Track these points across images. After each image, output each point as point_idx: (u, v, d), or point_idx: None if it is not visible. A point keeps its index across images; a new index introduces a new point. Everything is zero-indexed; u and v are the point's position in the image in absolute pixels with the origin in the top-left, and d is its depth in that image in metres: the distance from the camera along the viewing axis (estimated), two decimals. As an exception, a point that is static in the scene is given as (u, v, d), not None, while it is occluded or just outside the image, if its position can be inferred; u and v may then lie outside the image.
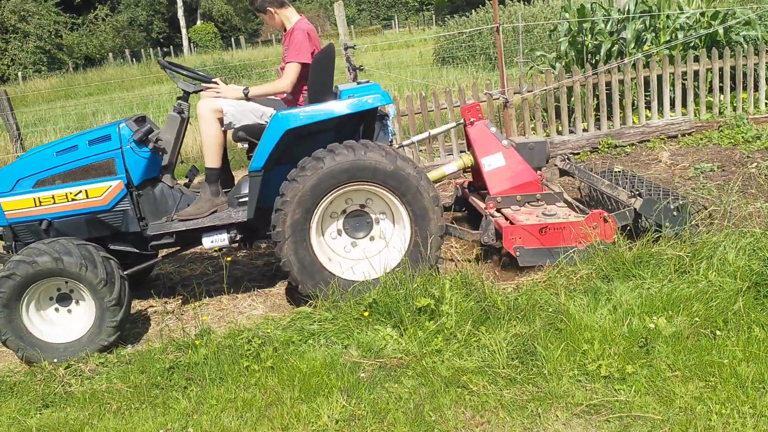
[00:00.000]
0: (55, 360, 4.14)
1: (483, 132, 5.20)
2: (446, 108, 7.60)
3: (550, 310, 3.91)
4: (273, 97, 4.76)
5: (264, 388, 3.59)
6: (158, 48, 41.85)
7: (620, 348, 3.48)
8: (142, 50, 41.55)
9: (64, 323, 4.33)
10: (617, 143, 7.67)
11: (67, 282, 4.23)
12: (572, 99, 7.98)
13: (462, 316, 3.89)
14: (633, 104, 8.20)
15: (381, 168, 4.25)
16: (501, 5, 19.54)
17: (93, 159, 4.45)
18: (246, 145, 4.64)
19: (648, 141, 7.76)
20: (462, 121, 5.35)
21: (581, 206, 4.96)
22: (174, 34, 49.78)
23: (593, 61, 8.51)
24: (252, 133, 4.51)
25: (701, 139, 7.63)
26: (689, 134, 7.77)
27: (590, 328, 3.65)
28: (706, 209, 4.76)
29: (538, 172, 5.45)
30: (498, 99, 7.65)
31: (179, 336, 4.19)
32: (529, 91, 7.74)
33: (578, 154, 7.59)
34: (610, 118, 8.05)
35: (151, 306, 5.04)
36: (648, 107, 8.19)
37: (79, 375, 4.01)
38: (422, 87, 12.72)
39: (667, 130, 7.80)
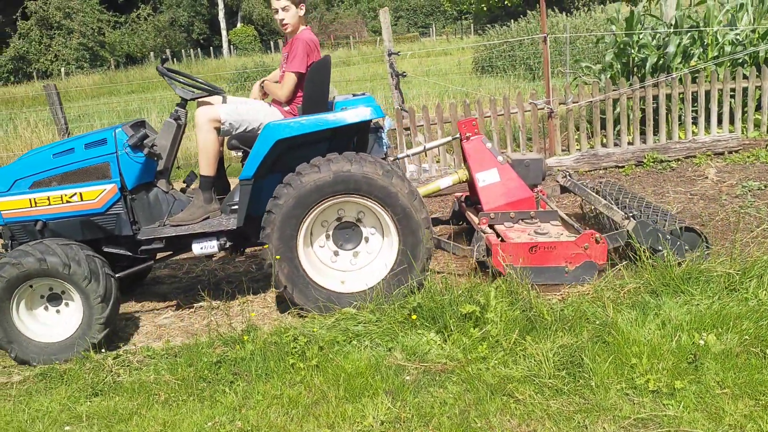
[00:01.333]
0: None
1: (479, 147, 5.17)
2: (489, 116, 7.59)
3: (597, 322, 3.88)
4: (270, 105, 4.77)
5: (309, 386, 3.62)
6: (191, 48, 42.35)
7: (669, 363, 3.44)
8: (183, 51, 42.20)
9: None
10: (663, 158, 7.59)
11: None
12: (617, 111, 7.92)
13: (507, 324, 3.89)
14: (679, 119, 8.11)
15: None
16: (542, 16, 19.45)
17: (88, 162, 4.52)
18: (240, 154, 4.67)
19: (694, 157, 7.67)
20: (458, 135, 5.33)
21: (576, 225, 4.87)
22: (213, 36, 50.50)
23: (639, 74, 8.43)
24: (246, 142, 4.54)
25: (748, 156, 7.52)
26: (736, 152, 7.67)
27: (638, 343, 3.62)
28: (704, 236, 4.57)
29: (539, 188, 5.43)
30: (543, 109, 7.63)
31: (226, 331, 4.24)
32: (574, 102, 7.70)
33: (623, 167, 7.53)
34: (655, 132, 7.97)
35: (197, 302, 5.11)
36: (695, 123, 8.09)
37: (128, 365, 4.10)
38: (462, 95, 12.73)
39: (713, 147, 7.70)
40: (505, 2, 39.69)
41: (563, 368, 3.53)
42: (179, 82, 4.66)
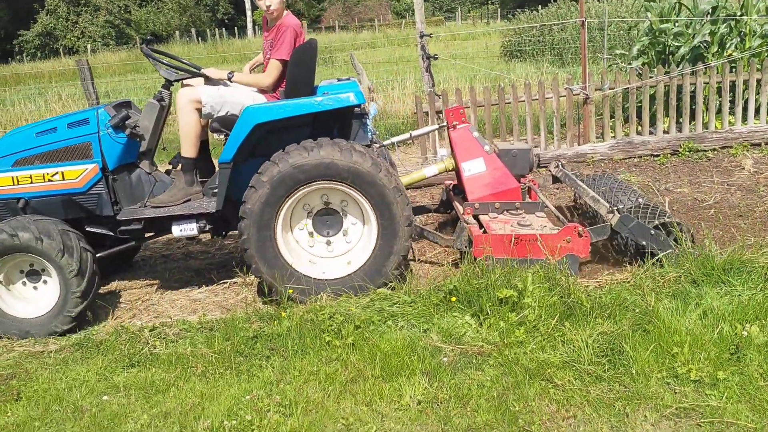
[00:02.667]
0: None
1: (465, 136, 5.07)
2: (523, 100, 7.51)
3: (637, 310, 3.84)
4: (255, 90, 4.70)
5: (346, 363, 3.62)
6: (216, 28, 42.37)
7: (711, 353, 3.40)
8: (208, 30, 42.22)
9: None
10: (699, 147, 7.47)
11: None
12: (654, 99, 7.80)
13: (545, 310, 3.86)
14: (716, 109, 7.96)
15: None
16: (574, 1, 19.23)
17: (70, 142, 4.52)
18: (223, 137, 4.63)
19: (730, 147, 7.54)
20: (444, 123, 5.23)
21: (561, 218, 4.78)
22: (238, 16, 50.44)
23: (674, 63, 8.29)
24: (227, 125, 4.48)
25: (786, 148, 7.38)
26: (774, 143, 7.52)
27: (679, 332, 3.57)
28: (690, 232, 4.51)
29: (530, 178, 5.34)
30: (578, 94, 7.53)
31: (262, 307, 4.25)
32: (611, 89, 7.59)
33: (658, 156, 7.43)
34: (691, 121, 7.84)
35: (230, 278, 5.13)
36: (732, 113, 7.95)
37: (164, 338, 4.12)
38: (491, 79, 12.62)
39: (750, 138, 7.56)
40: (534, -13, 39.15)
41: (603, 355, 3.50)
42: (163, 63, 4.59)
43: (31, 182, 4.50)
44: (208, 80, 4.66)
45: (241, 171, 4.41)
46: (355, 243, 4.53)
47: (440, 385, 3.37)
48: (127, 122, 4.50)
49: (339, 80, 4.65)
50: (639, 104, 7.83)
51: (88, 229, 4.65)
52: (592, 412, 3.12)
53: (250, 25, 46.25)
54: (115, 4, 42.39)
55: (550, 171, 5.77)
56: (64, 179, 4.49)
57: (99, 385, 3.63)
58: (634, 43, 9.26)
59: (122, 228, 4.58)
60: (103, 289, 5.14)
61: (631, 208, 4.72)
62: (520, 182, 5.16)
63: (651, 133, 7.85)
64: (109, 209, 4.58)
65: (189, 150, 4.55)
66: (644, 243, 4.38)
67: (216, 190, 4.47)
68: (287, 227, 4.42)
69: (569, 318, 3.81)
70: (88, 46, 37.17)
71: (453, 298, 3.96)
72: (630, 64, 8.62)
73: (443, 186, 5.69)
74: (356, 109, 4.58)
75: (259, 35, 42.14)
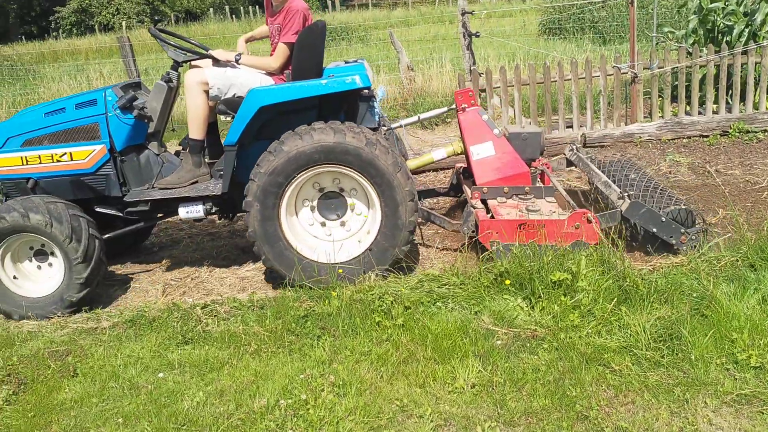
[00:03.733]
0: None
1: (474, 119, 4.94)
2: (570, 79, 7.37)
3: (694, 295, 3.76)
4: (263, 72, 4.66)
5: (397, 344, 3.61)
6: (250, 6, 42.33)
7: (772, 340, 3.32)
8: (242, 7, 42.20)
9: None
10: (749, 128, 7.26)
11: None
12: (703, 79, 7.59)
13: (599, 294, 3.80)
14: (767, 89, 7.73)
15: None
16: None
17: (78, 122, 4.52)
18: (230, 119, 4.59)
19: (782, 128, 7.32)
20: (453, 105, 5.11)
21: (573, 203, 4.66)
22: (272, -7, 50.29)
23: (724, 42, 8.05)
24: (234, 107, 4.44)
25: (841, 130, 7.14)
26: (828, 124, 7.28)
27: (738, 317, 3.48)
28: (705, 221, 4.42)
29: (543, 161, 5.22)
30: (626, 73, 7.37)
31: (312, 286, 4.25)
32: (660, 68, 7.40)
33: (708, 136, 7.24)
34: (741, 101, 7.62)
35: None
36: (783, 93, 7.71)
37: (215, 315, 4.16)
38: (531, 57, 12.42)
39: (803, 119, 7.33)
40: (571, -37, 38.35)
41: (661, 341, 3.44)
42: (171, 44, 4.56)
43: (40, 162, 4.53)
44: (217, 62, 4.64)
45: (249, 153, 4.39)
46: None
47: (494, 369, 3.34)
48: (134, 103, 4.50)
49: (346, 62, 4.61)
50: (687, 84, 7.63)
51: (96, 209, 4.68)
52: (650, 397, 3.07)
53: (283, 2, 46.14)
54: (149, -20, 42.55)
55: (564, 154, 5.65)
56: (72, 160, 4.51)
57: (153, 362, 3.68)
58: (682, 22, 9.02)
59: (129, 209, 4.61)
60: (152, 266, 5.22)
61: (642, 193, 4.62)
62: (531, 166, 5.06)
63: (700, 113, 7.65)
64: (117, 190, 4.60)
65: (196, 132, 4.55)
66: (654, 230, 4.29)
67: (222, 173, 4.47)
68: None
69: (625, 302, 3.74)
70: (123, 23, 37.44)
71: (507, 281, 3.92)
72: (679, 42, 8.40)
73: (453, 169, 5.60)
74: (365, 91, 4.54)
75: (330, 11, 42.00)
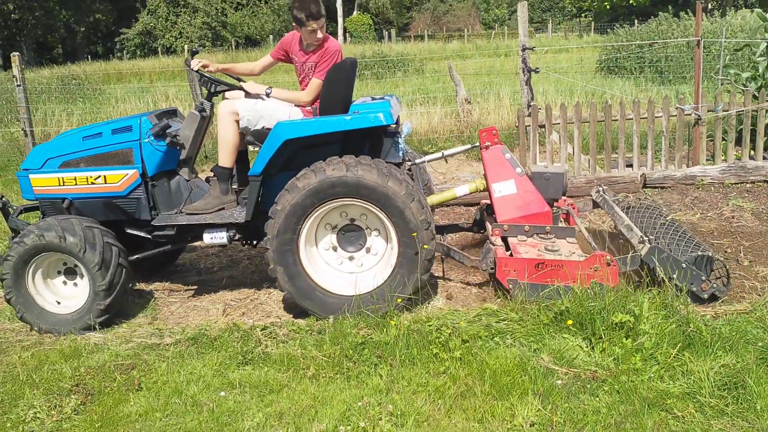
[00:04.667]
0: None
1: (497, 157, 4.95)
2: (631, 118, 7.33)
3: (760, 344, 3.68)
4: (292, 105, 4.79)
5: (454, 378, 3.61)
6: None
7: None
8: (299, 35, 43.06)
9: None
10: (816, 176, 7.09)
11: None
12: (768, 123, 7.46)
13: (662, 337, 3.74)
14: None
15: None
16: (676, 18, 18.64)
17: (114, 147, 4.70)
18: (258, 149, 4.68)
19: None
20: (477, 144, 5.12)
21: (594, 244, 4.60)
22: (329, 23, 51.34)
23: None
24: (262, 139, 4.55)
25: None
26: None
27: (808, 370, 3.40)
28: (726, 268, 4.32)
29: (569, 202, 5.19)
30: (690, 114, 7.29)
31: (372, 315, 4.29)
32: (725, 111, 7.31)
33: (772, 182, 7.10)
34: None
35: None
36: None
37: (274, 337, 4.23)
38: (589, 94, 12.37)
39: None
40: (630, 1, 38.17)
41: (725, 389, 3.37)
42: (205, 76, 4.75)
43: (76, 184, 4.73)
44: (248, 94, 4.80)
45: (276, 183, 4.49)
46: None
47: (554, 408, 3.32)
48: (168, 131, 4.70)
49: (373, 99, 4.70)
50: (753, 128, 7.50)
51: (126, 230, 4.84)
52: (715, 447, 3.01)
53: (340, 31, 47.01)
54: (212, 6, 43.86)
55: (590, 196, 5.62)
56: (106, 183, 4.70)
57: (215, 380, 3.76)
58: (744, 63, 8.89)
59: (157, 232, 4.75)
60: (212, 286, 5.33)
61: (662, 238, 4.55)
62: (554, 206, 5.05)
63: (765, 158, 7.50)
64: (147, 213, 4.76)
65: (225, 160, 4.69)
66: (674, 276, 4.22)
67: (247, 201, 4.58)
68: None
69: (688, 348, 3.69)
70: (186, 47, 38.63)
71: (569, 321, 3.89)
72: (745, 85, 8.28)
73: (478, 206, 5.63)
74: (391, 126, 4.62)
75: (350, 42, 42.76)
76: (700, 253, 4.33)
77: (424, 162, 5.31)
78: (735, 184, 7.10)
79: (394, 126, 4.66)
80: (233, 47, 40.58)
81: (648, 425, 3.16)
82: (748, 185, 7.08)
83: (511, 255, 4.50)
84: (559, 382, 3.55)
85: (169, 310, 4.89)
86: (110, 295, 4.43)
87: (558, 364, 3.71)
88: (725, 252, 5.36)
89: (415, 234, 4.29)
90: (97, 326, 4.44)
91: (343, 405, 3.43)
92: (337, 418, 3.32)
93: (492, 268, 4.54)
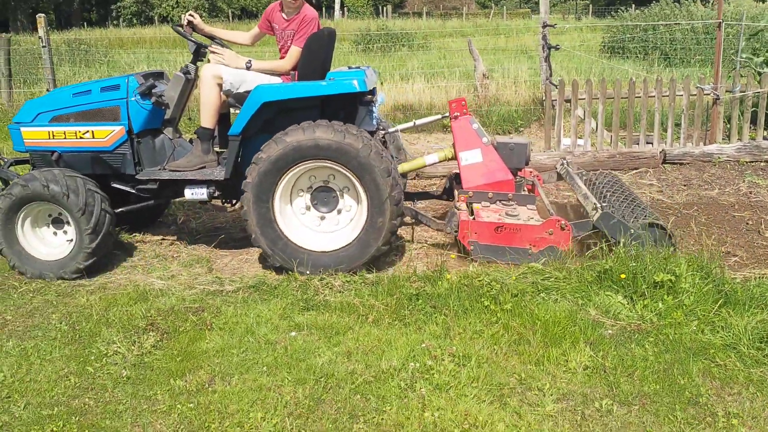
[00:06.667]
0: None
1: (465, 127, 5.22)
2: (653, 96, 7.57)
3: (791, 303, 3.95)
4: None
5: (507, 327, 3.86)
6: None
7: None
8: (298, 7, 42.76)
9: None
10: (828, 156, 7.38)
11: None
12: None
13: (700, 296, 4.01)
14: None
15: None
16: (676, 3, 18.82)
17: (102, 104, 4.94)
18: (238, 111, 4.88)
19: None
20: (447, 113, 5.37)
21: (552, 211, 4.88)
22: (328, -4, 50.98)
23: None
24: (242, 102, 4.77)
25: None
26: None
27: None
28: (672, 236, 4.57)
29: (535, 173, 5.47)
30: (709, 94, 7.54)
31: (426, 269, 4.52)
32: (742, 92, 7.57)
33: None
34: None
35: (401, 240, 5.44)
36: None
37: (330, 287, 4.46)
38: (600, 73, 12.57)
39: None
40: (630, -15, 38.26)
41: (762, 341, 3.63)
42: (190, 39, 4.99)
43: (65, 138, 4.97)
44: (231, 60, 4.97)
45: (254, 145, 4.70)
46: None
47: (605, 355, 3.58)
48: (153, 91, 4.93)
49: (349, 68, 4.91)
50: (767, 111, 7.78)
51: (112, 185, 5.06)
52: (755, 391, 3.28)
53: (337, 6, 46.76)
54: (210, -25, 43.49)
55: (555, 168, 5.91)
56: (93, 138, 4.94)
57: (282, 323, 3.99)
58: (760, 47, 9.15)
59: (140, 186, 4.99)
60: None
61: (617, 206, 4.83)
62: (517, 175, 5.31)
63: (778, 139, 7.80)
64: (132, 169, 5.00)
65: (207, 120, 4.91)
66: (623, 242, 4.48)
67: (227, 160, 4.80)
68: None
69: (725, 305, 3.95)
70: (182, 16, 38.29)
71: (622, 275, 4.14)
72: (758, 69, 8.54)
73: (448, 174, 5.90)
74: (367, 97, 4.87)
75: (349, 17, 42.59)
76: (650, 220, 4.59)
77: (397, 131, 5.55)
78: (750, 162, 7.37)
79: (370, 96, 4.90)
80: (230, 18, 40.33)
81: (693, 371, 3.43)
82: (762, 164, 7.36)
83: (474, 219, 4.77)
84: (609, 332, 3.81)
85: (222, 263, 5.11)
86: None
87: (605, 317, 3.97)
88: (747, 224, 5.65)
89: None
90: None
91: (406, 346, 3.67)
92: (404, 356, 3.56)
93: (456, 231, 4.81)
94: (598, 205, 4.72)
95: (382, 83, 11.15)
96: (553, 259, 4.55)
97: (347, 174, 4.55)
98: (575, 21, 36.32)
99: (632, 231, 4.50)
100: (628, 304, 4.10)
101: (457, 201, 5.11)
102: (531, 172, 5.55)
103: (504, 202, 5.05)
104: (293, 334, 3.84)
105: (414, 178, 7.27)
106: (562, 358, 3.57)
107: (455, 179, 5.57)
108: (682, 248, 4.81)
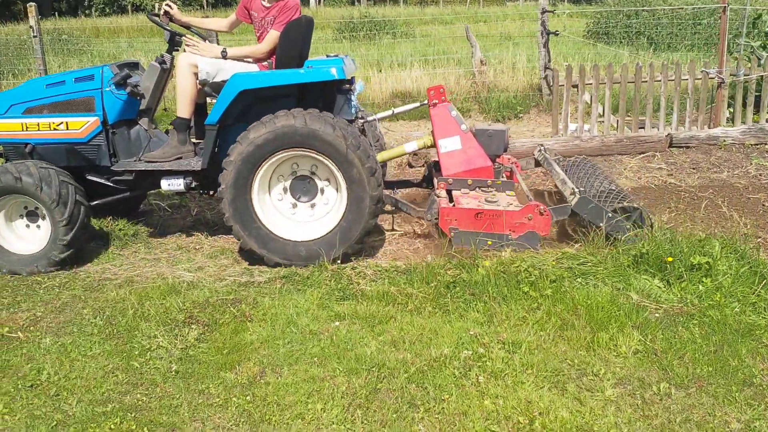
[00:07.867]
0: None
1: (444, 114, 5.23)
2: (660, 80, 7.60)
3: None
4: (250, 61, 4.93)
5: (550, 313, 3.85)
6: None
7: None
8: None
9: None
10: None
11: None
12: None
13: (737, 278, 4.03)
14: None
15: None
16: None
17: (76, 95, 4.86)
18: (215, 100, 4.85)
19: None
20: (426, 101, 5.39)
21: (530, 196, 4.92)
22: (303, -17, 50.46)
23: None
24: (217, 91, 4.72)
25: None
26: None
27: None
28: (650, 218, 4.63)
29: (513, 160, 5.52)
30: (714, 78, 7.60)
31: (461, 257, 4.48)
32: (745, 75, 7.64)
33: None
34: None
35: (398, 228, 5.41)
36: None
37: (364, 276, 4.41)
38: (591, 60, 12.61)
39: None
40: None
41: (806, 322, 3.67)
42: (165, 28, 4.90)
43: (38, 129, 4.87)
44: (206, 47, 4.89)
45: (231, 134, 4.63)
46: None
47: (653, 339, 3.58)
48: (128, 81, 4.85)
49: (327, 56, 4.87)
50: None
51: (87, 177, 4.97)
52: (806, 371, 3.31)
53: (314, -7, 46.32)
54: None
55: (533, 155, 5.93)
56: (67, 129, 4.85)
57: (321, 313, 3.93)
58: (758, 32, 9.23)
59: (116, 178, 4.90)
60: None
61: (595, 191, 4.87)
62: (495, 162, 5.33)
63: (782, 121, 7.88)
64: (107, 160, 4.91)
65: (184, 110, 4.83)
66: (601, 225, 4.53)
67: (204, 150, 4.73)
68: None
69: (764, 287, 3.97)
70: (156, 5, 37.70)
71: (669, 258, 4.13)
72: (753, 53, 8.62)
73: (426, 162, 5.87)
74: (346, 85, 4.83)
75: (326, 5, 42.19)
76: (626, 204, 4.62)
77: (375, 119, 5.51)
78: (755, 144, 7.45)
79: (348, 84, 4.85)
80: (205, 5, 39.75)
81: (743, 352, 3.45)
82: (767, 146, 7.44)
83: (454, 206, 4.76)
84: (655, 316, 3.82)
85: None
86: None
87: (648, 300, 3.97)
88: (763, 205, 5.70)
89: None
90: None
91: (453, 334, 3.64)
92: (453, 344, 3.53)
93: (436, 218, 4.79)
94: (577, 190, 4.72)
95: (380, 70, 11.05)
96: (532, 246, 4.57)
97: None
98: (553, 6, 36.45)
99: (609, 215, 4.52)
100: (665, 287, 4.11)
101: (437, 188, 5.09)
102: (509, 158, 5.54)
103: (483, 189, 5.06)
104: (336, 324, 3.79)
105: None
106: (611, 343, 3.56)
107: (434, 167, 5.54)
108: (709, 231, 4.82)
